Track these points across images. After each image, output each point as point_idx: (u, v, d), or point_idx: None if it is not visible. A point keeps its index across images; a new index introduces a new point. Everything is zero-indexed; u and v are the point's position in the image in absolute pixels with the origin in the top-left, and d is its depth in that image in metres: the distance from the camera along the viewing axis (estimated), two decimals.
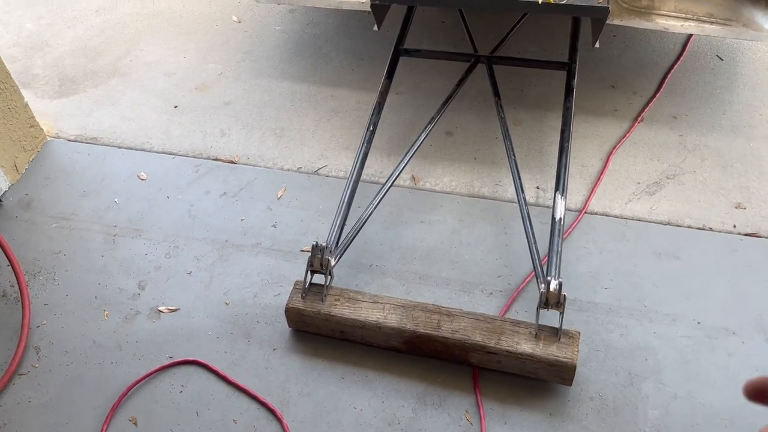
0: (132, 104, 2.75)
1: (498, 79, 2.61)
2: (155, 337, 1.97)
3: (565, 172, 2.08)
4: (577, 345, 1.74)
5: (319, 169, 2.45)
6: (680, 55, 2.81)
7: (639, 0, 2.32)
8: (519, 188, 2.08)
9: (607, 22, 2.31)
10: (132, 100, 2.77)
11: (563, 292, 1.73)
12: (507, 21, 2.67)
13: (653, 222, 2.20)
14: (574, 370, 1.71)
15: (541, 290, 1.75)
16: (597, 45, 2.30)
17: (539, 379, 1.80)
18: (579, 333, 1.78)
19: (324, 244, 1.87)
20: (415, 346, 1.84)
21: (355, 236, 2.03)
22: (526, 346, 1.74)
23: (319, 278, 1.90)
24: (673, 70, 2.73)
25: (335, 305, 1.87)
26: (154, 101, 2.76)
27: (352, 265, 2.12)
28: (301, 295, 1.88)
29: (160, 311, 2.03)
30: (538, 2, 2.07)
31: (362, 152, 2.19)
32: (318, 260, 1.87)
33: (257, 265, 2.13)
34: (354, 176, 2.11)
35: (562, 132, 2.19)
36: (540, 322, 1.78)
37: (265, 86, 2.81)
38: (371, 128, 2.26)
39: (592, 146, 2.47)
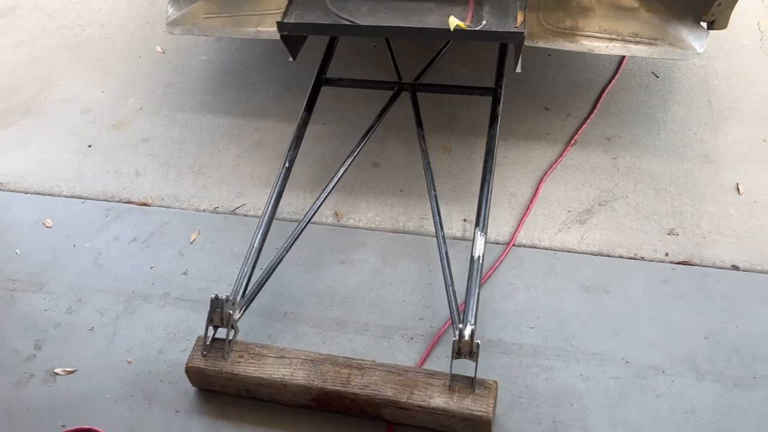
0: (43, 145, 2.61)
1: (428, 105, 2.52)
2: (49, 403, 1.82)
3: (486, 205, 1.97)
4: (494, 396, 1.63)
5: (237, 208, 2.32)
6: (615, 73, 2.73)
7: (563, 21, 2.24)
8: (438, 225, 1.97)
9: (532, 44, 2.22)
10: (44, 140, 2.63)
11: (477, 340, 1.62)
12: (436, 46, 2.58)
13: (583, 253, 2.10)
14: (490, 424, 1.60)
15: (454, 338, 1.63)
16: (519, 69, 2.20)
17: None
18: (496, 383, 1.67)
19: (224, 297, 1.74)
20: (325, 403, 1.72)
21: (264, 283, 1.91)
22: (439, 399, 1.63)
23: (224, 332, 1.77)
24: (607, 90, 2.65)
25: (238, 362, 1.74)
26: (68, 141, 2.62)
27: (266, 313, 2.00)
28: (202, 353, 1.75)
29: (56, 374, 1.88)
30: (449, 29, 1.97)
31: (276, 191, 2.07)
32: (218, 315, 1.74)
33: (164, 317, 2.00)
34: (266, 217, 1.99)
35: (485, 162, 2.09)
36: (458, 371, 1.66)
37: (185, 121, 2.68)
38: (287, 165, 2.15)
39: (523, 173, 2.37)
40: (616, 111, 2.57)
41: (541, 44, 2.23)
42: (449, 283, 1.82)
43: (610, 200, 2.26)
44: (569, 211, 2.23)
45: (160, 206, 2.34)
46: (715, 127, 2.48)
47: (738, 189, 2.25)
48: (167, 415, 1.78)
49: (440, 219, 1.99)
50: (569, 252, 2.11)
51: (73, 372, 1.89)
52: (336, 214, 2.28)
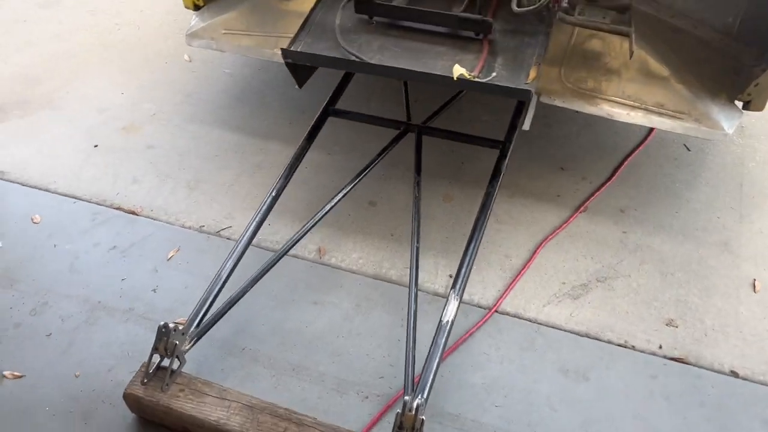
0: (52, 139, 2.63)
1: (439, 148, 2.43)
2: None
3: (467, 266, 1.85)
4: None
5: (222, 230, 2.27)
6: (644, 140, 2.57)
7: (585, 81, 2.12)
8: (413, 280, 1.86)
9: (548, 102, 2.11)
10: (54, 135, 2.65)
11: (422, 416, 1.49)
12: (453, 90, 2.48)
13: (569, 331, 1.95)
14: None
15: (398, 411, 1.52)
16: (527, 127, 2.09)
17: None
18: None
19: (173, 326, 1.67)
20: None
21: (224, 313, 1.83)
22: None
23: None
24: (631, 157, 2.49)
25: (177, 397, 1.67)
26: (77, 138, 2.63)
27: (224, 345, 1.92)
28: (142, 381, 1.68)
29: (4, 376, 1.85)
30: (452, 78, 1.87)
31: (258, 218, 1.99)
32: (163, 344, 1.67)
33: (123, 333, 1.94)
34: (241, 244, 1.92)
35: (477, 219, 1.97)
36: None
37: (194, 132, 2.66)
38: (273, 194, 2.07)
39: (523, 234, 2.24)
40: (637, 181, 2.41)
41: (558, 103, 2.11)
42: (410, 346, 1.70)
43: (610, 277, 2.10)
44: (563, 283, 2.08)
45: (147, 217, 2.31)
46: (741, 213, 2.29)
47: (754, 286, 2.06)
48: None
49: (416, 273, 1.87)
50: (554, 328, 1.96)
51: (20, 377, 1.85)
52: (319, 249, 2.20)
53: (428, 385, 1.60)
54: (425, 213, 2.29)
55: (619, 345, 1.91)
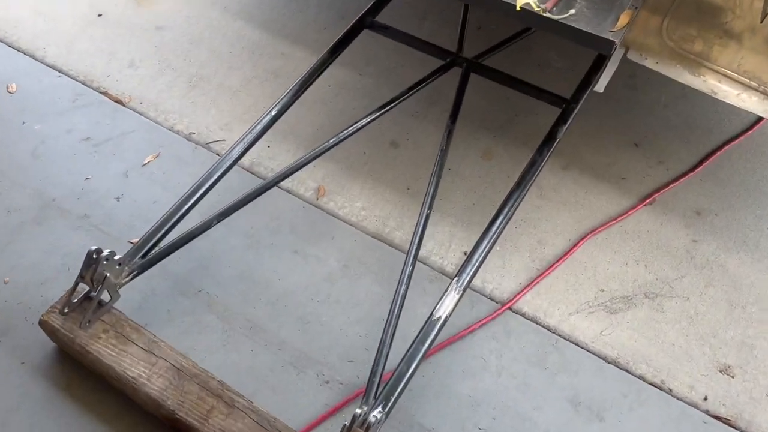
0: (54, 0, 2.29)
1: (490, 92, 1.99)
2: None
3: (483, 252, 1.46)
4: None
5: (213, 142, 1.92)
6: (749, 129, 2.05)
7: (692, 42, 1.62)
8: (412, 253, 1.48)
9: (637, 60, 1.63)
10: None
11: None
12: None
13: (594, 353, 1.56)
14: None
15: (345, 423, 1.19)
16: (601, 88, 1.62)
17: None
18: None
19: (107, 253, 1.36)
20: (176, 429, 1.34)
21: (180, 246, 1.51)
22: None
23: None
24: (726, 148, 1.99)
25: (98, 338, 1.38)
26: (82, 3, 2.28)
27: (178, 282, 1.62)
28: (61, 310, 1.40)
29: None
30: (514, 6, 1.41)
31: (250, 137, 1.63)
32: (90, 273, 1.37)
33: (70, 243, 1.66)
34: (225, 162, 1.57)
35: (512, 191, 1.56)
36: None
37: (213, 19, 2.27)
38: (274, 112, 1.69)
39: (566, 218, 1.81)
40: (726, 179, 1.92)
41: (650, 64, 1.64)
42: (387, 336, 1.35)
43: (663, 295, 1.67)
44: (602, 291, 1.67)
45: (134, 110, 1.97)
46: None
47: None
48: (10, 362, 1.46)
49: (418, 245, 1.50)
50: (576, 345, 1.57)
51: None
52: (319, 189, 1.83)
53: (394, 396, 1.26)
54: (455, 169, 1.88)
55: (653, 384, 1.52)
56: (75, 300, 1.40)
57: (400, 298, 1.40)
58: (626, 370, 1.54)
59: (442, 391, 1.48)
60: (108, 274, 1.37)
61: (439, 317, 1.37)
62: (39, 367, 1.46)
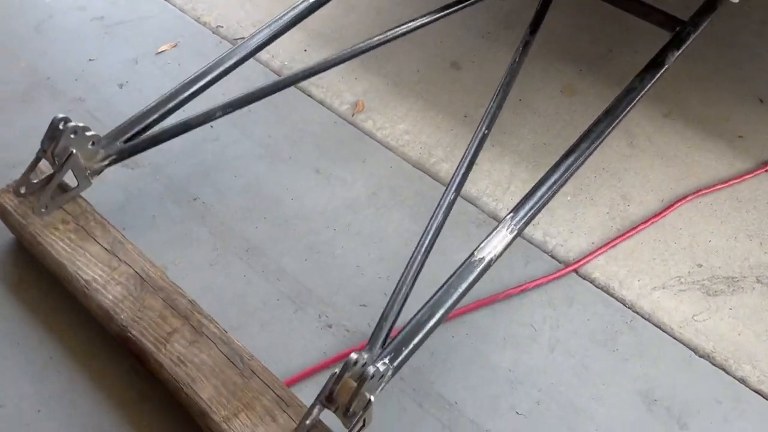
0: None
1: (581, 17, 1.62)
2: None
3: (553, 186, 1.12)
4: None
5: (243, 39, 1.62)
6: None
7: None
8: (456, 180, 1.14)
9: None
10: None
11: (370, 395, 0.84)
12: None
13: (681, 341, 1.18)
14: None
15: (335, 372, 0.87)
16: None
17: None
18: None
19: (76, 125, 1.09)
20: (130, 352, 1.05)
21: (177, 134, 1.23)
22: None
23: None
24: None
25: (54, 229, 1.11)
26: None
27: (171, 185, 1.33)
28: (17, 189, 1.13)
29: None
30: None
31: (278, 24, 1.33)
32: (52, 146, 1.09)
33: None
34: (245, 47, 1.29)
35: (595, 124, 1.20)
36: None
37: None
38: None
39: (660, 174, 1.43)
40: None
41: None
42: (408, 275, 1.02)
43: None
44: (699, 266, 1.29)
45: None
46: None
47: None
48: None
49: (466, 171, 1.16)
50: (658, 328, 1.20)
51: None
52: (357, 104, 1.52)
53: (408, 348, 0.93)
54: (528, 101, 1.53)
55: (758, 392, 1.13)
56: (36, 181, 1.14)
57: (434, 230, 1.06)
58: (723, 369, 1.16)
59: (474, 359, 1.14)
60: (75, 152, 1.10)
61: (482, 259, 1.03)
62: None
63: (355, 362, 0.85)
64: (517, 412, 1.09)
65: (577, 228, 1.33)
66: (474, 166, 1.36)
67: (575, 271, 1.26)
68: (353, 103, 1.51)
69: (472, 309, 1.19)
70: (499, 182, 1.39)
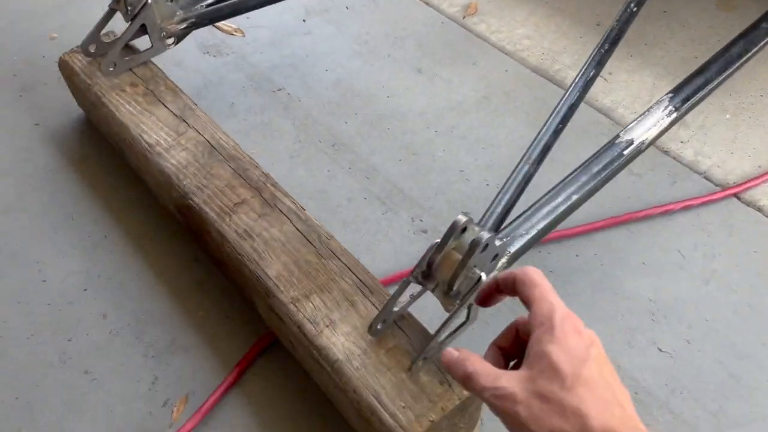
0: None
1: None
2: None
3: (722, 73, 0.87)
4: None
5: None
6: None
7: None
8: (588, 69, 0.92)
9: None
10: None
11: (480, 270, 0.63)
12: None
13: None
14: None
15: (435, 242, 0.66)
16: None
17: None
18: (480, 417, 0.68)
19: None
20: (189, 227, 0.90)
21: (262, 3, 1.08)
22: (339, 346, 0.70)
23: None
24: None
25: (121, 91, 0.97)
26: None
27: (255, 75, 1.18)
28: (85, 49, 1.01)
29: None
30: None
31: None
32: None
33: None
34: None
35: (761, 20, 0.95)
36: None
37: None
38: None
39: None
40: None
41: None
42: (520, 171, 0.80)
43: None
44: None
45: None
46: None
47: None
48: (20, 120, 1.11)
49: (597, 65, 0.93)
50: None
51: None
52: (469, 6, 1.32)
53: (527, 236, 0.72)
54: (674, 13, 1.29)
55: None
56: (107, 41, 1.01)
57: (556, 120, 0.84)
58: None
59: (604, 284, 0.90)
60: (150, 1, 0.96)
61: (630, 141, 0.80)
62: (53, 133, 1.09)
63: (464, 229, 0.64)
64: (659, 349, 0.84)
65: (738, 149, 1.07)
66: (608, 76, 1.14)
67: (736, 195, 1.00)
68: (465, 5, 1.32)
69: (602, 227, 0.96)
70: (638, 95, 1.15)
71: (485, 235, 0.62)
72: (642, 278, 0.91)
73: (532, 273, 0.53)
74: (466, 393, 0.66)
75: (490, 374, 0.49)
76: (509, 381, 0.47)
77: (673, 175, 1.03)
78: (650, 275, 0.91)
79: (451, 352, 0.53)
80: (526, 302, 0.52)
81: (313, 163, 1.05)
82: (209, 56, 1.21)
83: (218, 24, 1.26)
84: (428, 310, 0.72)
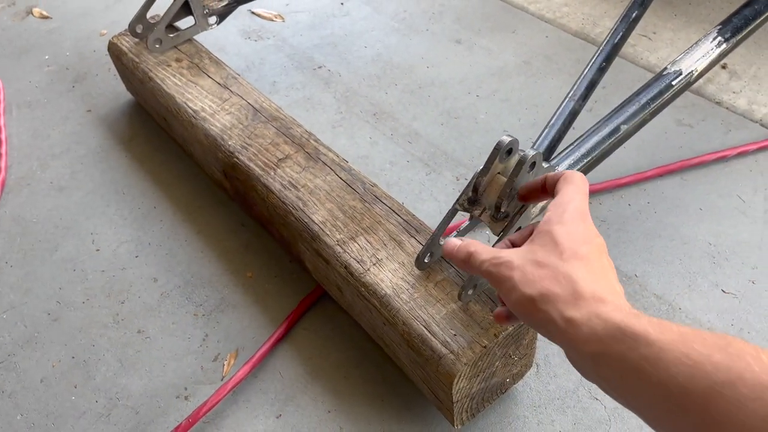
0: None
1: None
2: (8, 35, 1.33)
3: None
4: (519, 356, 0.64)
5: None
6: None
7: None
8: (626, 22, 0.90)
9: None
10: None
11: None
12: None
13: None
14: (452, 383, 0.62)
15: (477, 172, 0.65)
16: None
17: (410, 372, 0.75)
18: (534, 346, 0.66)
19: None
20: (235, 189, 0.90)
21: None
22: (387, 282, 0.69)
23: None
24: None
25: (167, 66, 1.00)
26: None
27: (295, 55, 1.20)
28: (133, 30, 1.04)
29: (31, 13, 1.38)
30: None
31: None
32: None
33: None
34: None
35: None
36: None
37: None
38: None
39: None
40: None
41: None
42: (566, 106, 0.78)
43: None
44: None
45: None
46: None
47: None
48: (73, 107, 1.15)
49: (636, 17, 0.91)
50: None
51: (47, 18, 1.36)
52: None
53: (579, 163, 0.70)
54: None
55: None
56: (153, 21, 1.05)
57: (600, 57, 0.82)
58: None
59: (659, 231, 0.87)
60: None
61: (678, 72, 0.78)
62: (104, 118, 1.13)
63: (509, 150, 0.62)
64: (723, 291, 0.80)
65: None
66: (652, 35, 1.11)
67: None
68: None
69: (654, 175, 0.93)
70: (681, 51, 1.12)
71: (532, 152, 0.61)
72: (700, 224, 0.87)
73: (574, 174, 0.52)
74: (518, 321, 0.63)
75: (491, 250, 0.50)
76: (509, 253, 0.48)
77: (727, 124, 0.99)
78: (709, 220, 0.88)
79: (454, 240, 0.54)
80: (556, 195, 0.52)
81: (355, 132, 1.05)
82: (251, 41, 1.24)
83: (258, 11, 1.29)
84: None
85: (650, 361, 0.36)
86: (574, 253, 0.45)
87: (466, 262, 0.51)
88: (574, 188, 0.51)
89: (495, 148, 0.62)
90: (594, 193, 0.91)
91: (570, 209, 0.48)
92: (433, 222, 0.91)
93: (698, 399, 0.34)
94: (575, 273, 0.44)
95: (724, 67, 1.08)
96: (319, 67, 1.17)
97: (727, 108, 1.02)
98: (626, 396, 0.39)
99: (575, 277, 0.44)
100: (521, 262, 0.46)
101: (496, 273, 0.47)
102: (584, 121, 0.82)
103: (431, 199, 0.94)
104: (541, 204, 0.70)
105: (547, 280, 0.44)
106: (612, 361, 0.38)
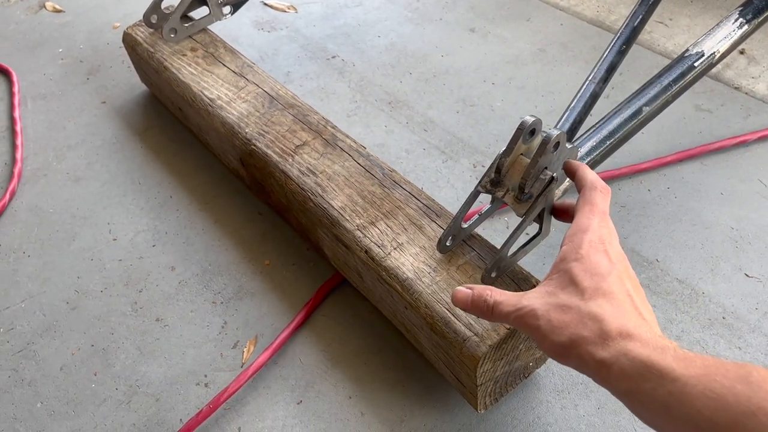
0: None
1: None
2: (20, 28, 1.33)
3: None
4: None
5: None
6: None
7: None
8: (636, 19, 0.89)
9: None
10: None
11: (552, 172, 0.61)
12: None
13: None
14: (476, 365, 0.62)
15: (499, 154, 0.64)
16: None
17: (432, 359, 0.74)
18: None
19: None
20: (252, 177, 0.90)
21: None
22: (409, 266, 0.68)
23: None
24: None
25: (182, 56, 1.00)
26: None
27: (309, 45, 1.20)
28: (147, 20, 1.04)
29: (44, 7, 1.38)
30: None
31: None
32: None
33: None
34: None
35: None
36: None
37: None
38: None
39: None
40: None
41: None
42: (595, 78, 0.78)
43: None
44: None
45: None
46: None
47: None
48: (88, 99, 1.15)
49: (645, 15, 0.90)
50: None
51: (59, 11, 1.36)
52: None
53: (599, 150, 0.70)
54: None
55: None
56: (168, 11, 1.05)
57: (620, 41, 0.82)
58: None
59: (680, 216, 0.86)
60: None
61: (700, 53, 0.77)
62: (118, 109, 1.13)
63: (532, 130, 0.62)
64: (746, 275, 0.79)
65: None
66: (669, 21, 1.10)
67: None
68: None
69: (674, 160, 0.92)
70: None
71: (555, 131, 0.60)
72: (721, 208, 0.87)
73: (594, 191, 0.54)
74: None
75: (511, 299, 0.50)
76: (529, 299, 0.48)
77: (747, 109, 0.98)
78: (731, 205, 0.87)
79: (464, 291, 0.54)
80: (575, 214, 0.53)
81: (371, 120, 1.05)
82: (264, 32, 1.24)
83: (271, 2, 1.29)
84: (497, 237, 0.70)
85: (676, 397, 0.38)
86: (596, 290, 0.46)
87: (490, 317, 0.52)
88: (590, 210, 0.52)
89: (518, 128, 0.62)
90: (614, 178, 0.91)
91: (585, 241, 0.49)
92: (451, 210, 0.91)
93: (724, 431, 0.36)
94: (600, 311, 0.44)
95: (742, 52, 1.07)
96: (333, 57, 1.17)
97: (746, 93, 1.01)
98: (660, 428, 0.41)
99: (600, 315, 0.44)
100: (545, 309, 0.47)
101: (524, 325, 0.48)
102: (602, 107, 0.81)
103: (448, 187, 0.94)
104: (564, 185, 0.69)
105: (573, 324, 0.45)
106: (642, 398, 0.40)
